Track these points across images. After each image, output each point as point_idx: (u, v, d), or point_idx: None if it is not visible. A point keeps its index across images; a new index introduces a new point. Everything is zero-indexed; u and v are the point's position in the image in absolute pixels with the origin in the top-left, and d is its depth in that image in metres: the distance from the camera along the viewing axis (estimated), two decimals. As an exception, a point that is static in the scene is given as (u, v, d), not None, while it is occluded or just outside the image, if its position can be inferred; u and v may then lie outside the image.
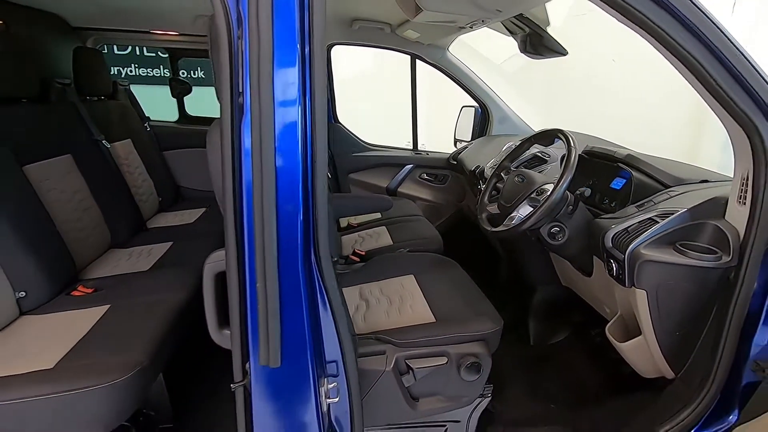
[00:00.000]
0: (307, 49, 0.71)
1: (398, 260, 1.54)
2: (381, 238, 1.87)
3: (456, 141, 2.56)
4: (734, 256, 0.94)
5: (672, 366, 1.09)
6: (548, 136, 1.37)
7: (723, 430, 1.01)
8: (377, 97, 3.84)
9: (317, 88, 0.72)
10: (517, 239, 1.68)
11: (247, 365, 0.79)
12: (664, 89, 2.70)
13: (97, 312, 1.27)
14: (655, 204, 1.11)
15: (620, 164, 1.33)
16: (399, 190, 2.60)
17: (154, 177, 2.29)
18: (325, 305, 0.81)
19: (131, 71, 4.29)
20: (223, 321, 0.85)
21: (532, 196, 1.23)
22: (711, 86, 0.88)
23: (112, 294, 1.38)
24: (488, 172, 1.76)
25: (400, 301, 1.28)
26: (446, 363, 1.09)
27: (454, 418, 1.23)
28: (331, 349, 0.84)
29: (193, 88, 2.75)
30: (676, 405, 1.06)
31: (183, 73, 2.90)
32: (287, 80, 0.70)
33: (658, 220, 1.02)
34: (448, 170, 2.56)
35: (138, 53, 4.28)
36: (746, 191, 0.94)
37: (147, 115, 2.48)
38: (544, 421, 1.38)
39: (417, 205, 2.36)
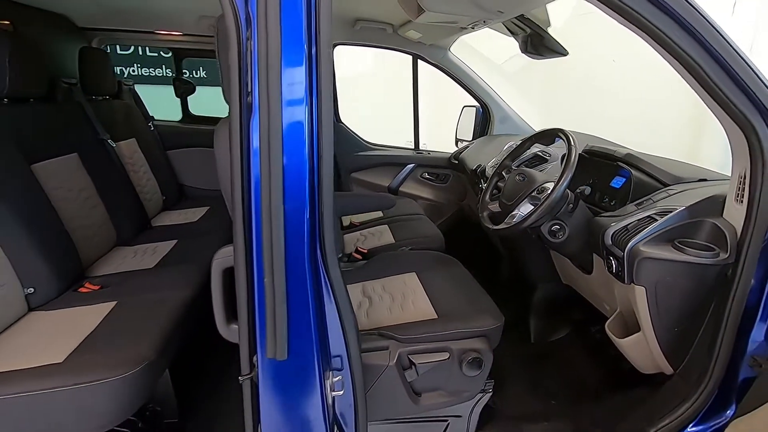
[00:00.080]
0: (313, 49, 0.73)
1: (400, 258, 1.56)
2: (383, 236, 1.89)
3: (457, 140, 2.57)
4: (732, 253, 0.96)
5: (670, 362, 1.11)
6: (549, 136, 1.39)
7: (721, 424, 1.03)
8: (376, 97, 3.86)
9: (323, 88, 0.74)
10: (518, 237, 1.70)
11: (255, 358, 0.81)
12: (664, 90, 2.71)
13: (104, 308, 1.29)
14: (654, 202, 1.13)
15: (620, 163, 1.34)
16: (401, 189, 2.62)
17: (158, 176, 2.31)
18: (331, 300, 0.83)
19: (134, 71, 4.32)
20: (231, 315, 0.87)
21: (533, 194, 1.25)
22: (709, 86, 0.89)
23: (119, 291, 1.40)
24: (489, 171, 1.78)
25: (403, 298, 1.30)
26: (448, 358, 1.10)
27: (455, 413, 1.25)
28: (336, 343, 0.86)
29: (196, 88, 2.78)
30: (674, 400, 1.08)
31: (185, 73, 2.93)
32: (295, 80, 0.72)
33: (656, 217, 1.04)
34: (449, 170, 2.58)
35: (140, 53, 4.31)
36: (744, 189, 0.95)
37: (151, 115, 2.50)
38: (544, 416, 1.40)
39: (419, 204, 2.38)
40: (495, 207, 1.41)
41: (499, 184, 1.48)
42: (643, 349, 1.14)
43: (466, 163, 2.19)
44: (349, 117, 2.66)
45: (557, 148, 1.65)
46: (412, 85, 2.56)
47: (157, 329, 1.18)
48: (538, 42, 1.79)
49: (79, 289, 1.43)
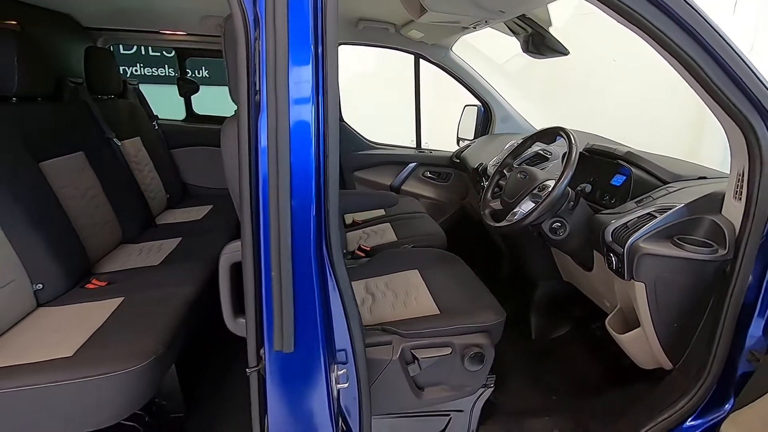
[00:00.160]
0: (320, 49, 0.75)
1: (403, 255, 1.58)
2: (385, 234, 1.91)
3: (459, 139, 2.59)
4: (730, 249, 0.98)
5: (670, 357, 1.12)
6: (550, 134, 1.41)
7: (719, 417, 1.04)
8: (376, 97, 3.88)
9: (330, 87, 0.76)
10: (519, 235, 1.71)
11: (262, 351, 0.82)
12: (665, 89, 2.72)
13: (111, 304, 1.31)
14: (653, 200, 1.14)
15: (620, 161, 1.36)
16: (402, 188, 2.63)
17: (162, 174, 2.34)
18: (336, 295, 0.84)
19: (136, 71, 4.34)
20: (238, 310, 0.89)
21: (534, 192, 1.26)
22: (708, 86, 0.91)
23: (126, 287, 1.42)
24: (491, 170, 1.79)
25: (405, 295, 1.32)
26: (450, 353, 1.12)
27: (457, 407, 1.26)
28: (341, 337, 0.87)
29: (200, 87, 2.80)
30: (674, 395, 1.09)
31: (188, 73, 2.96)
32: (302, 79, 0.74)
33: (656, 215, 1.06)
34: (451, 168, 2.60)
35: (143, 53, 4.33)
36: (742, 187, 0.97)
37: (155, 114, 2.52)
38: (545, 411, 1.42)
39: (420, 203, 2.40)
40: (497, 205, 1.42)
41: (500, 182, 1.50)
42: (642, 345, 1.16)
43: (467, 161, 2.20)
44: (350, 116, 2.68)
45: (558, 147, 1.66)
46: (414, 85, 2.58)
47: (164, 324, 1.20)
48: (539, 41, 1.81)
49: (87, 286, 1.45)
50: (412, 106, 2.64)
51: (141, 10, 2.08)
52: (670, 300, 1.06)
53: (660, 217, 1.04)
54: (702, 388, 1.04)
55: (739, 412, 0.89)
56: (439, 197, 2.64)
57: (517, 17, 1.69)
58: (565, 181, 1.15)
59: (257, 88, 0.74)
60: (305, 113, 0.75)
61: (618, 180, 1.34)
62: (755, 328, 1.00)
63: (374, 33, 2.29)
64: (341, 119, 2.65)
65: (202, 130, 2.62)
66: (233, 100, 0.96)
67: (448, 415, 1.27)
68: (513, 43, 1.97)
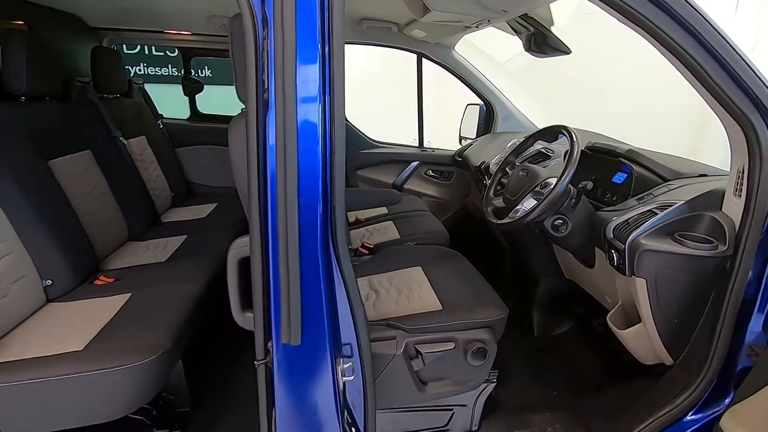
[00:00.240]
0: (327, 49, 0.76)
1: (406, 253, 1.59)
2: (388, 232, 1.93)
3: (461, 138, 2.60)
4: (730, 245, 0.99)
5: (670, 352, 1.14)
6: (552, 133, 1.42)
7: (719, 412, 1.05)
8: (378, 96, 3.89)
9: (336, 86, 0.77)
10: (521, 232, 1.73)
11: (269, 344, 0.84)
12: (667, 89, 2.73)
13: (119, 300, 1.33)
14: (654, 197, 1.15)
15: (621, 159, 1.37)
16: (405, 186, 2.65)
17: (167, 173, 2.36)
18: (342, 290, 0.86)
19: (140, 70, 4.37)
20: (246, 304, 0.91)
21: (536, 189, 1.28)
22: (708, 84, 0.92)
23: (133, 283, 1.44)
24: (493, 168, 1.81)
25: (409, 291, 1.33)
26: (453, 348, 1.14)
27: (460, 402, 1.28)
28: (346, 331, 0.89)
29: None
30: (674, 389, 1.11)
31: (191, 72, 2.98)
32: (309, 77, 0.75)
33: (657, 211, 1.07)
34: (453, 167, 2.61)
35: (147, 52, 4.36)
36: (742, 184, 0.98)
37: (160, 113, 2.54)
38: (547, 407, 1.43)
39: (423, 201, 2.41)
40: (499, 202, 1.44)
41: (503, 180, 1.51)
42: (643, 340, 1.17)
43: (470, 160, 2.22)
44: (352, 115, 2.69)
45: (560, 145, 1.67)
46: (416, 84, 2.59)
47: (171, 319, 1.22)
48: (541, 40, 1.82)
49: (95, 282, 1.47)
50: (414, 105, 2.65)
51: (147, 10, 2.11)
52: (670, 296, 1.07)
53: (661, 214, 1.05)
54: (702, 382, 1.05)
55: (739, 405, 0.91)
56: (442, 196, 2.66)
57: (519, 16, 1.70)
58: (567, 179, 1.17)
59: (265, 87, 0.76)
60: (312, 112, 0.77)
61: (619, 178, 1.35)
62: (755, 324, 1.02)
63: (377, 32, 2.31)
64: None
65: (206, 129, 2.64)
66: (240, 99, 0.97)
67: (451, 409, 1.29)
68: (514, 42, 1.99)
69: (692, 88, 0.96)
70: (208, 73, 4.42)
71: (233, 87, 0.97)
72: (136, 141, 2.16)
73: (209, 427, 1.39)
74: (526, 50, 1.92)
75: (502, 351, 1.20)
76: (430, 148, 2.72)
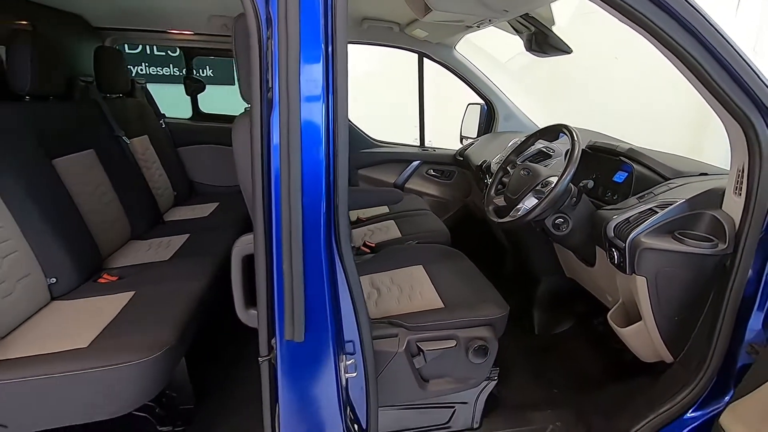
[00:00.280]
0: (330, 48, 0.77)
1: (407, 251, 1.60)
2: (390, 231, 1.93)
3: (462, 138, 2.61)
4: (730, 243, 1.00)
5: (671, 350, 1.14)
6: (553, 132, 1.43)
7: (720, 409, 1.06)
8: (378, 97, 3.90)
9: (339, 85, 0.78)
10: (522, 231, 1.73)
11: (273, 341, 0.85)
12: (667, 89, 2.73)
13: (123, 297, 1.34)
14: (655, 195, 1.16)
15: (622, 158, 1.38)
16: (406, 185, 2.66)
17: (169, 172, 2.37)
18: (345, 288, 0.87)
19: (141, 70, 4.38)
20: (249, 301, 0.92)
21: (538, 188, 1.28)
22: (708, 84, 0.93)
23: (136, 281, 1.45)
24: (494, 167, 1.82)
25: (410, 289, 1.34)
26: (455, 346, 1.14)
27: (461, 399, 1.29)
28: (349, 329, 0.90)
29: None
30: (674, 387, 1.11)
31: (193, 72, 3.00)
32: (313, 77, 0.76)
33: (657, 210, 1.08)
34: (454, 166, 2.62)
35: (148, 52, 4.37)
36: (742, 183, 0.99)
37: (162, 112, 2.55)
38: (547, 404, 1.44)
39: (424, 201, 2.42)
40: (500, 201, 1.45)
41: (504, 179, 1.52)
42: (644, 338, 1.18)
43: (471, 159, 2.22)
44: (354, 115, 2.70)
45: (561, 144, 1.68)
46: (417, 84, 2.60)
47: (175, 317, 1.23)
48: (542, 40, 1.83)
49: (98, 280, 1.48)
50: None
51: (149, 10, 2.12)
52: (671, 294, 1.08)
53: (661, 213, 1.06)
54: (702, 380, 1.06)
55: (738, 402, 0.91)
56: (443, 195, 2.67)
57: (520, 16, 1.71)
58: (568, 178, 1.17)
59: (269, 86, 0.77)
60: (316, 111, 0.78)
61: (620, 177, 1.36)
62: (755, 322, 1.02)
63: (378, 32, 2.32)
64: (345, 118, 2.67)
65: (208, 129, 2.66)
66: (243, 98, 0.98)
67: (453, 406, 1.29)
68: (515, 42, 1.99)
69: (692, 87, 0.97)
70: (209, 72, 4.44)
71: (233, 86, 0.98)
72: (138, 140, 2.17)
73: (212, 424, 1.40)
74: (527, 50, 1.93)
75: (503, 349, 1.21)
76: (432, 148, 2.72)
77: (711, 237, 1.02)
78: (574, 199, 1.24)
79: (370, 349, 0.92)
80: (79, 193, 1.58)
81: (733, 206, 1.01)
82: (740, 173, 0.99)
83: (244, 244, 0.89)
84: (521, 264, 1.99)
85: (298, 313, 0.80)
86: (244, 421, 1.40)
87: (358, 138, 2.63)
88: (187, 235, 1.90)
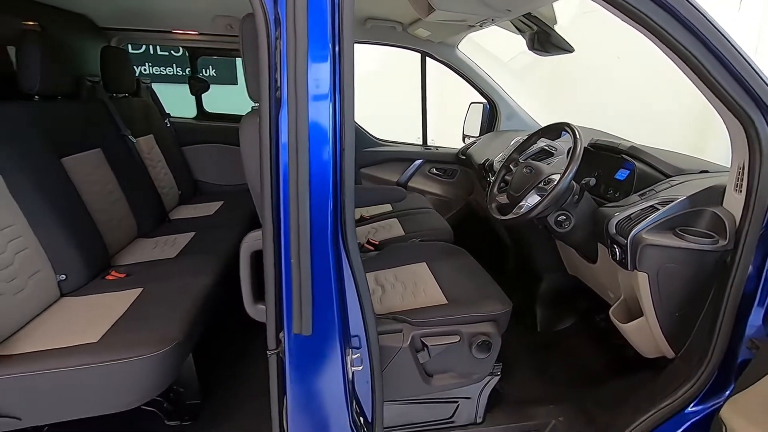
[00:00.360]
0: (337, 48, 0.79)
1: (411, 249, 1.62)
2: (393, 228, 1.95)
3: (464, 137, 2.62)
4: (731, 240, 1.01)
5: (672, 345, 1.16)
6: (555, 130, 1.44)
7: (720, 403, 1.07)
8: (381, 95, 3.91)
9: (346, 84, 0.80)
10: (525, 228, 1.75)
11: (281, 334, 0.87)
12: (669, 87, 2.74)
13: (131, 294, 1.36)
14: (656, 192, 1.17)
15: (624, 156, 1.39)
16: (409, 184, 2.67)
17: (174, 171, 2.39)
18: (351, 283, 0.89)
19: (145, 70, 4.40)
20: (258, 296, 0.94)
21: (540, 185, 1.30)
22: (709, 82, 0.94)
23: (144, 278, 1.47)
24: (497, 165, 1.83)
25: (414, 286, 1.36)
26: (459, 341, 1.16)
27: (465, 394, 1.31)
28: (355, 323, 0.92)
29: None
30: (675, 382, 1.13)
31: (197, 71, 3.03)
32: (320, 76, 0.78)
33: (659, 207, 1.09)
34: (457, 165, 2.63)
35: (152, 52, 4.40)
36: (742, 180, 1.00)
37: (167, 112, 2.58)
38: (550, 399, 1.46)
39: (427, 199, 2.44)
40: (503, 199, 1.46)
41: (506, 177, 1.53)
42: (645, 334, 1.19)
43: (473, 157, 2.24)
44: (357, 115, 2.71)
45: (563, 143, 1.69)
46: (420, 83, 2.61)
47: (183, 313, 1.25)
48: (544, 39, 1.84)
49: (106, 277, 1.50)
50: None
51: (154, 11, 2.14)
52: (672, 290, 1.09)
53: (662, 210, 1.07)
54: (703, 375, 1.07)
55: (738, 395, 0.93)
56: (446, 194, 2.68)
57: (522, 15, 1.72)
58: (570, 175, 1.18)
59: (278, 85, 0.78)
60: (323, 110, 0.79)
61: (622, 174, 1.37)
62: (755, 317, 1.03)
63: (381, 31, 2.33)
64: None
65: (212, 128, 2.68)
66: (251, 98, 1.00)
67: (456, 401, 1.31)
68: (517, 41, 2.01)
69: (693, 85, 0.98)
70: (212, 72, 4.45)
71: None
72: (144, 139, 2.20)
73: (219, 418, 1.42)
74: (529, 49, 1.94)
75: (506, 346, 1.22)
76: (434, 147, 2.74)
77: (712, 233, 1.03)
78: (577, 196, 1.25)
79: (376, 343, 0.94)
80: (87, 191, 1.61)
81: (734, 203, 1.02)
82: (741, 170, 1.00)
83: (252, 241, 0.91)
84: (524, 261, 2.00)
85: (306, 307, 0.82)
86: (250, 416, 1.42)
87: (361, 137, 2.64)
88: (193, 233, 1.92)
